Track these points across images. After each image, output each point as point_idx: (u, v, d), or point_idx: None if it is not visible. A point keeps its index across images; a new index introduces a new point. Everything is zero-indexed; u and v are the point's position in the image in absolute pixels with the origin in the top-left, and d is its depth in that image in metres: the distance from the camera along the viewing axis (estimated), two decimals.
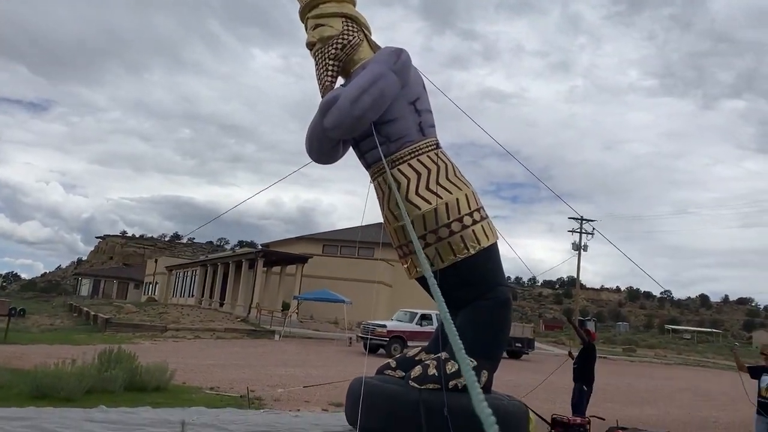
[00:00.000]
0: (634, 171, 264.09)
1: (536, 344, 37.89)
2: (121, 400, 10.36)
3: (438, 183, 9.63)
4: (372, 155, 9.94)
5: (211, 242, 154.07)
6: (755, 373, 8.76)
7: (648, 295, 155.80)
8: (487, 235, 9.72)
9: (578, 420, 9.96)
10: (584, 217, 54.79)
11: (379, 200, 10.05)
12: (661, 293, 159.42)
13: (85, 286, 75.85)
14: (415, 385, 8.52)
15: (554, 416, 10.12)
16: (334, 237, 51.62)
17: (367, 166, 10.17)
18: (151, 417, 8.94)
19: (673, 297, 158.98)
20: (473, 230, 9.60)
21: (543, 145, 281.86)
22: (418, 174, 9.67)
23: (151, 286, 63.85)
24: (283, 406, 11.55)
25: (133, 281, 76.62)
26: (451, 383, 8.47)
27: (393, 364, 9.62)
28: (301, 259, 40.03)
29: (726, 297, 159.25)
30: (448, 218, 9.42)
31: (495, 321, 9.26)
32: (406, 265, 9.96)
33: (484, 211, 10.01)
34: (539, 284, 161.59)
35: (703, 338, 78.35)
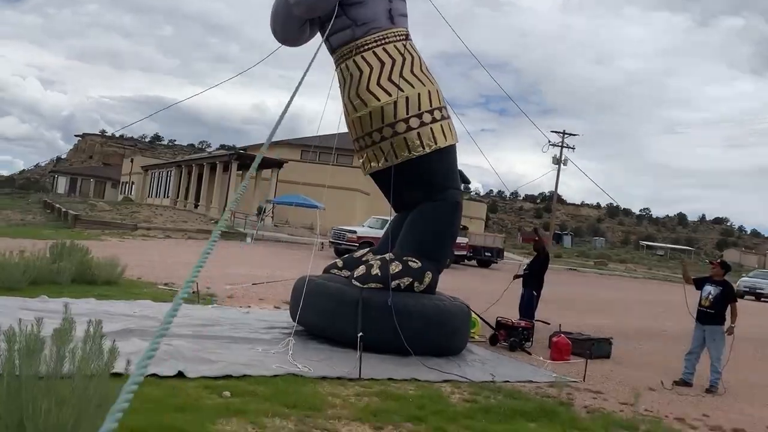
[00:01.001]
0: (625, 87, 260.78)
1: (507, 254, 38.53)
2: (67, 291, 10.27)
3: (401, 75, 9.19)
4: (336, 39, 9.40)
5: (192, 145, 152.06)
6: (700, 284, 8.82)
7: (627, 212, 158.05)
8: (445, 135, 9.42)
9: (522, 323, 10.10)
10: (566, 132, 54.41)
11: (340, 87, 9.61)
12: (641, 210, 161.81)
13: (62, 184, 75.11)
14: (358, 284, 8.49)
15: (499, 319, 10.24)
16: (313, 143, 50.92)
17: (332, 51, 9.64)
18: (91, 308, 8.86)
19: (651, 215, 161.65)
20: (431, 128, 9.28)
21: (534, 58, 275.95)
22: (382, 63, 9.19)
23: (127, 186, 63.33)
24: (235, 303, 11.57)
25: (110, 180, 75.97)
26: (394, 283, 8.45)
27: (340, 263, 9.56)
28: (277, 164, 39.59)
29: (703, 216, 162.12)
30: (407, 113, 9.05)
31: (442, 223, 9.14)
32: (361, 160, 9.69)
33: (446, 111, 9.65)
34: (521, 198, 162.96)
35: (676, 255, 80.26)
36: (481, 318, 9.89)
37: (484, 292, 15.30)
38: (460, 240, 29.73)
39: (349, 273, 8.89)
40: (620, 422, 6.15)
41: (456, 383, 7.09)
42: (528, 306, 10.99)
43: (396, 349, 7.88)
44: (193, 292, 11.51)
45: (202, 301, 10.99)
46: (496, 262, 32.58)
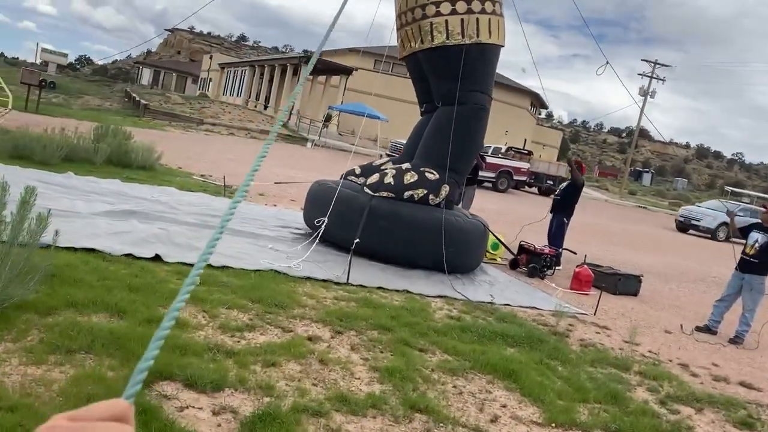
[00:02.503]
0: (736, 19, 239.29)
1: None
2: (97, 171, 10.50)
3: None
4: None
5: (276, 48, 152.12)
6: (746, 231, 8.03)
7: (717, 155, 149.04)
8: (490, 32, 8.69)
9: (546, 250, 9.60)
10: (658, 62, 50.65)
11: None
12: (732, 155, 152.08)
13: (146, 76, 77.14)
14: (369, 191, 8.19)
15: (522, 243, 9.77)
16: (388, 53, 49.66)
17: None
18: (110, 188, 8.98)
19: (744, 160, 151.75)
20: (478, 19, 8.56)
21: None
22: None
23: (205, 82, 64.35)
24: (265, 201, 11.55)
25: (191, 76, 77.34)
26: (407, 193, 8.09)
27: (358, 170, 9.23)
28: (346, 71, 38.84)
29: None
30: None
31: (464, 131, 8.57)
32: (399, 39, 9.12)
33: (501, 8, 8.86)
34: (605, 131, 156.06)
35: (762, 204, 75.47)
36: (498, 239, 9.43)
37: (529, 218, 14.71)
38: (521, 165, 28.77)
39: (365, 179, 8.58)
40: (611, 360, 5.73)
41: (451, 300, 6.80)
42: (557, 233, 10.43)
43: (401, 262, 7.64)
44: (225, 187, 11.56)
45: (229, 195, 11.02)
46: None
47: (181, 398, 3.31)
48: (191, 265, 5.85)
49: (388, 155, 27.44)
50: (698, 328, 7.81)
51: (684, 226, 25.21)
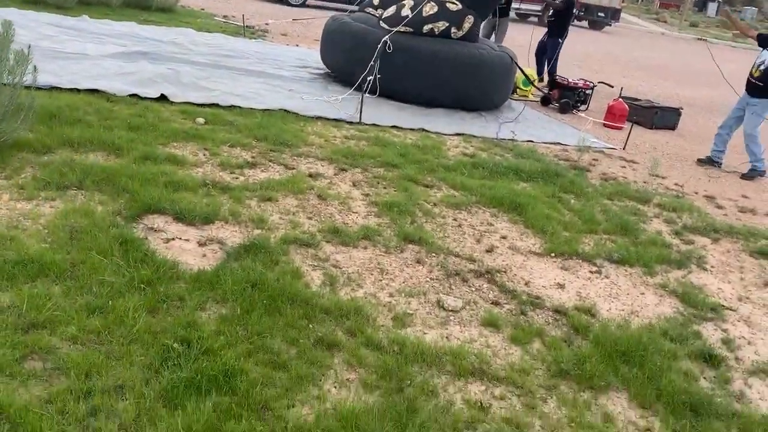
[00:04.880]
0: None
1: (631, 18, 34.64)
2: (113, 14, 10.18)
3: None
4: None
5: None
6: (763, 43, 6.93)
7: None
8: None
9: (580, 83, 9.08)
10: None
11: None
12: None
13: None
14: (385, 25, 7.70)
15: (555, 77, 9.25)
16: None
17: None
18: (123, 31, 8.73)
19: None
20: None
21: None
22: None
23: None
24: (288, 41, 11.13)
25: None
26: (426, 27, 7.58)
27: (376, 1, 8.65)
28: None
29: None
30: None
31: None
32: None
33: None
34: None
35: None
36: (525, 75, 8.92)
37: (576, 55, 13.88)
38: None
39: (383, 11, 8.05)
40: (631, 193, 5.54)
41: (469, 138, 6.58)
42: (552, 55, 10.03)
43: (421, 101, 7.35)
44: (246, 27, 11.13)
45: (249, 35, 10.64)
46: (610, 25, 29.44)
47: (168, 231, 3.34)
48: (198, 105, 5.78)
49: None
50: (700, 161, 7.33)
51: None
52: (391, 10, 7.77)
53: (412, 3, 7.69)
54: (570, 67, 10.12)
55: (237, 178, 4.27)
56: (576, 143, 7.03)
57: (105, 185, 3.67)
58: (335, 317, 2.81)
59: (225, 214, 3.65)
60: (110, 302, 2.55)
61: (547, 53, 10.24)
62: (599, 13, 28.21)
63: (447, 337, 2.85)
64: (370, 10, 8.49)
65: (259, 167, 4.55)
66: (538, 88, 9.31)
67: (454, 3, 7.64)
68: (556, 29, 10.23)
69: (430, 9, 7.58)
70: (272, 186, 4.20)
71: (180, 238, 3.28)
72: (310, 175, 4.57)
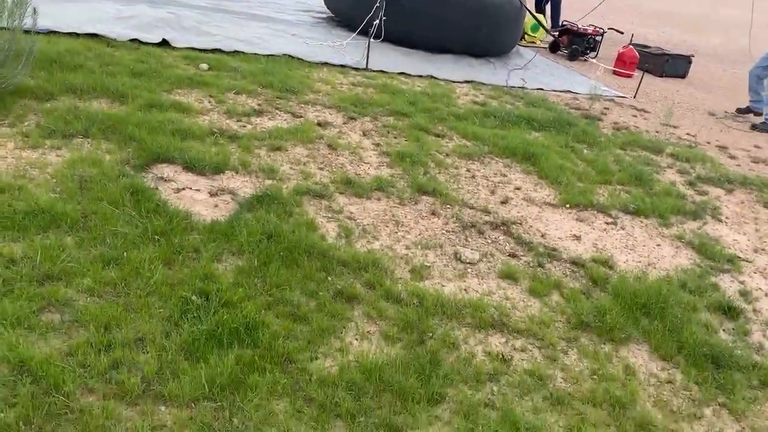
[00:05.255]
0: None
1: None
2: None
3: None
4: None
5: None
6: None
7: None
8: None
9: (590, 30, 8.85)
10: None
11: None
12: None
13: None
14: None
15: (564, 23, 9.01)
16: None
17: None
18: None
19: None
20: None
21: None
22: None
23: None
24: None
25: None
26: None
27: None
28: None
29: None
30: None
31: None
32: None
33: None
34: None
35: None
36: (535, 18, 8.68)
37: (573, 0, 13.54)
38: None
39: None
40: (643, 142, 5.45)
41: (478, 85, 6.43)
42: (556, 5, 9.74)
43: (428, 47, 7.15)
44: None
45: None
46: None
47: (178, 180, 3.26)
48: (200, 50, 5.60)
49: None
50: (739, 110, 7.25)
51: None
52: None
53: None
54: (573, 13, 9.83)
55: (244, 126, 4.16)
56: (587, 91, 6.90)
57: (111, 133, 3.57)
58: (353, 270, 2.76)
59: (235, 163, 3.56)
60: (125, 254, 2.50)
61: (551, 3, 9.94)
62: None
63: (465, 290, 2.82)
64: None
65: (266, 115, 4.44)
66: (551, 33, 9.07)
67: None
68: None
69: None
70: (281, 135, 4.09)
71: (191, 188, 3.21)
72: (319, 124, 4.46)
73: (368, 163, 4.00)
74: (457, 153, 4.42)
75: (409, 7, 6.99)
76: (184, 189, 3.18)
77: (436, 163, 4.18)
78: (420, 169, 4.02)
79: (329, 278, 2.67)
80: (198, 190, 3.21)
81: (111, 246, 2.54)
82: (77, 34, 5.26)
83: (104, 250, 2.52)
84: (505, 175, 4.22)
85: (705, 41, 13.24)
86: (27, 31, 3.85)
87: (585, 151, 4.97)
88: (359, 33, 7.08)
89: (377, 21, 6.55)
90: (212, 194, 3.20)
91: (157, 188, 3.11)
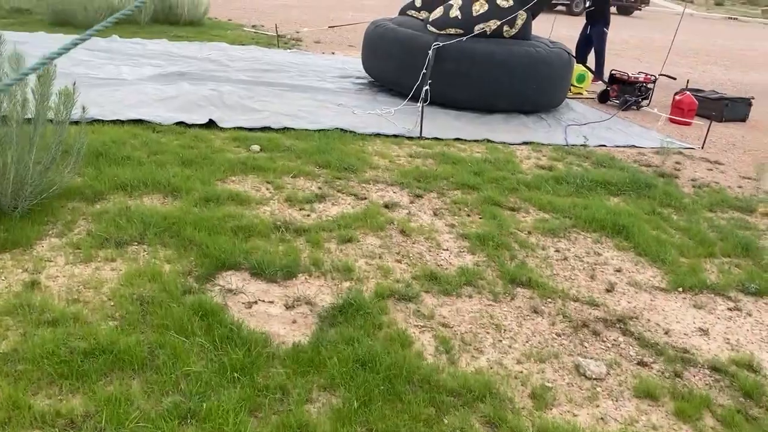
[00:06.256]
0: None
1: (658, 1, 33.68)
2: (143, 32, 9.82)
3: None
4: None
5: None
6: None
7: None
8: None
9: (641, 77, 8.48)
10: None
11: None
12: None
13: None
14: (433, 29, 7.20)
15: (613, 72, 8.66)
16: None
17: None
18: (156, 49, 8.35)
19: None
20: None
21: None
22: None
23: None
24: (323, 48, 10.68)
25: None
26: (477, 27, 7.05)
27: (418, 3, 8.14)
28: None
29: None
30: None
31: None
32: None
33: None
34: None
35: None
36: (588, 68, 8.35)
37: (612, 44, 13.27)
38: None
39: (427, 14, 7.54)
40: (731, 202, 4.97)
41: (538, 146, 6.05)
42: (600, 44, 9.50)
43: (475, 107, 6.84)
44: (279, 36, 10.71)
45: (282, 45, 10.21)
46: (640, 9, 28.59)
47: (248, 291, 2.88)
48: (248, 129, 5.33)
49: None
50: None
51: None
52: (438, 11, 7.25)
53: (460, 2, 7.17)
54: (607, 56, 9.52)
55: (308, 215, 3.81)
56: (651, 144, 6.49)
57: (168, 237, 3.23)
58: (465, 401, 2.32)
59: (306, 263, 3.18)
60: (203, 404, 2.09)
61: (594, 44, 9.65)
62: None
63: (603, 419, 2.35)
64: (412, 12, 7.99)
65: (329, 199, 4.08)
66: (604, 81, 8.68)
67: (504, 0, 7.10)
68: (598, 16, 9.66)
69: (480, 7, 7.05)
70: (349, 223, 3.72)
71: (263, 301, 2.82)
72: (386, 206, 4.09)
73: (447, 249, 3.59)
74: (540, 230, 4.00)
75: (454, 69, 6.71)
76: (256, 302, 2.80)
77: (519, 243, 3.76)
78: (505, 252, 3.60)
79: (442, 417, 2.22)
80: (271, 302, 2.83)
81: (185, 393, 2.14)
82: (121, 121, 5.03)
83: (178, 398, 2.11)
84: (598, 254, 3.77)
85: (751, 79, 12.79)
86: (75, 122, 3.57)
87: (674, 216, 4.51)
88: (403, 97, 6.82)
89: (426, 86, 6.25)
90: (288, 306, 2.81)
91: (226, 305, 2.73)
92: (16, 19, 9.82)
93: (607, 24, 9.72)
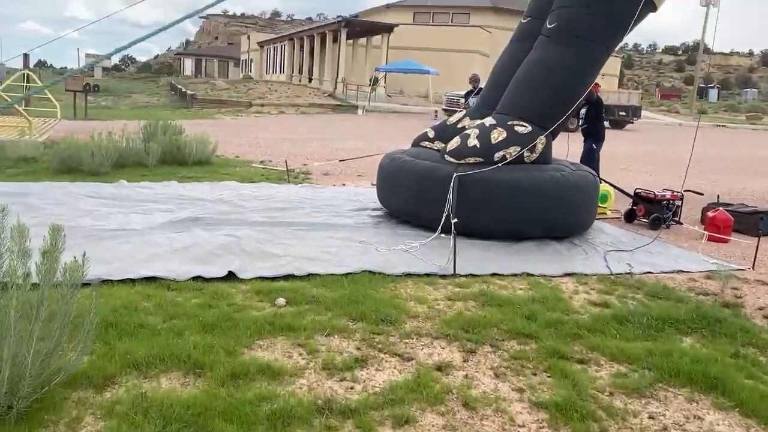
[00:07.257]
0: None
1: (644, 113, 34.77)
2: (151, 174, 9.67)
3: None
4: None
5: (310, 18, 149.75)
6: None
7: None
8: None
9: (667, 195, 8.20)
10: None
11: None
12: None
13: (189, 67, 77.02)
14: (452, 159, 6.97)
15: (638, 190, 8.39)
16: (426, 3, 47.51)
17: None
18: (166, 193, 8.10)
19: None
20: None
21: None
22: None
23: (246, 63, 63.63)
24: (333, 180, 10.53)
25: (232, 60, 76.71)
26: (497, 155, 6.82)
27: (431, 134, 7.98)
28: (387, 29, 37.08)
29: None
30: None
31: (569, 74, 7.15)
32: None
33: None
34: (659, 51, 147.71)
35: None
36: (616, 188, 8.08)
37: (612, 157, 13.24)
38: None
39: (442, 145, 7.34)
40: None
41: (581, 277, 5.59)
42: (588, 161, 9.37)
43: (503, 236, 6.46)
44: (289, 171, 10.58)
45: (293, 180, 10.04)
46: (632, 122, 29.37)
47: None
48: (270, 278, 4.87)
49: (445, 110, 25.98)
50: None
51: None
52: (455, 141, 7.05)
53: (477, 132, 7.00)
54: (615, 171, 9.41)
55: (352, 387, 3.25)
56: (698, 268, 6.04)
57: None
58: None
59: None
60: None
61: (583, 158, 9.65)
62: (620, 112, 28.18)
63: None
64: (425, 143, 7.80)
65: (372, 364, 3.54)
66: (630, 195, 8.34)
67: (522, 125, 6.93)
68: (590, 133, 9.92)
69: (498, 135, 6.86)
70: (400, 396, 3.16)
71: None
72: (438, 368, 3.54)
73: (524, 425, 3.01)
74: (621, 388, 3.43)
75: (478, 198, 6.40)
76: None
77: (605, 411, 3.18)
78: (592, 424, 3.01)
79: None
80: None
81: None
82: (132, 280, 4.58)
83: None
84: (700, 418, 3.18)
85: (765, 186, 12.62)
86: (86, 284, 3.07)
87: (761, 359, 3.96)
88: (425, 230, 6.46)
89: (455, 219, 5.88)
90: None
91: None
92: (21, 169, 9.68)
93: (600, 140, 9.83)
